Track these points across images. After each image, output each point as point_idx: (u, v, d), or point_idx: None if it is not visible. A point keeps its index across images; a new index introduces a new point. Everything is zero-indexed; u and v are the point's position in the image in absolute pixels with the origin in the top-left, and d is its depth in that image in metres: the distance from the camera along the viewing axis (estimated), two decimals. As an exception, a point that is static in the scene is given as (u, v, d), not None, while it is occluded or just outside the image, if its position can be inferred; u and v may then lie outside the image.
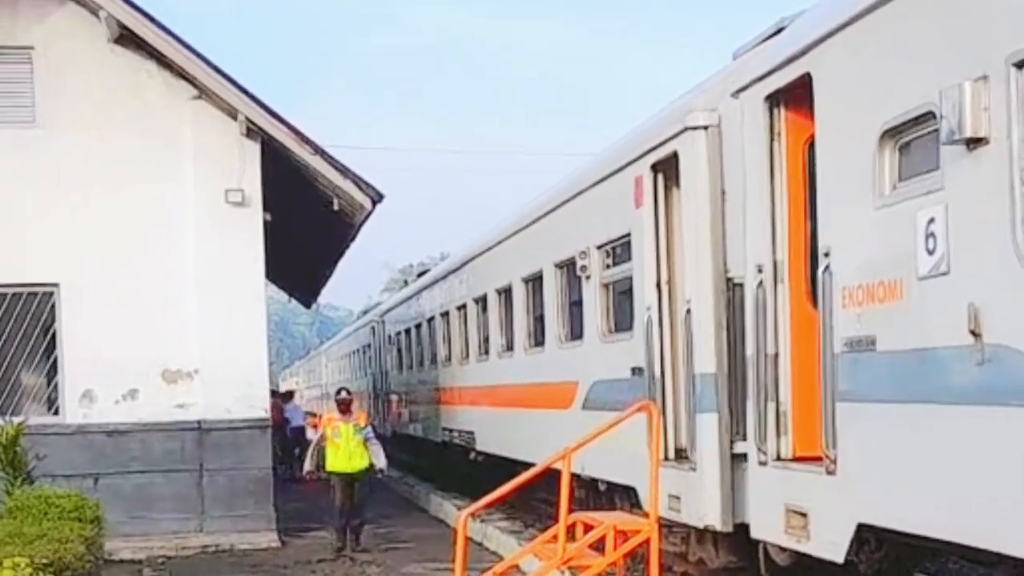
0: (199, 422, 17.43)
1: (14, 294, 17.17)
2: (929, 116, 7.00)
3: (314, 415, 34.07)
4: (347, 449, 16.53)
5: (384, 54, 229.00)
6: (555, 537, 10.01)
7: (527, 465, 15.84)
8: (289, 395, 30.91)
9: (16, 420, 13.32)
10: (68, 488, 11.40)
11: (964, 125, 6.51)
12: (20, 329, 17.25)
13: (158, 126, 17.38)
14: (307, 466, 17.58)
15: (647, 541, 9.78)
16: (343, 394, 17.50)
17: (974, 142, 6.55)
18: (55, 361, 17.31)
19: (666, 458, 11.01)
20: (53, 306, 17.27)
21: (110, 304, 17.13)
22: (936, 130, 6.87)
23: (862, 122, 7.68)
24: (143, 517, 17.10)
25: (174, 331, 17.37)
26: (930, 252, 6.97)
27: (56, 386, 17.34)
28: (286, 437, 28.46)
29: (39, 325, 17.32)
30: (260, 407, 17.73)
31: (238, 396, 17.46)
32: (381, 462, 16.94)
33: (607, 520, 10.15)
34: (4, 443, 12.61)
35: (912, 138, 7.37)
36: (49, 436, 15.88)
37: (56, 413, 17.28)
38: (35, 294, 17.25)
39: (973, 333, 6.54)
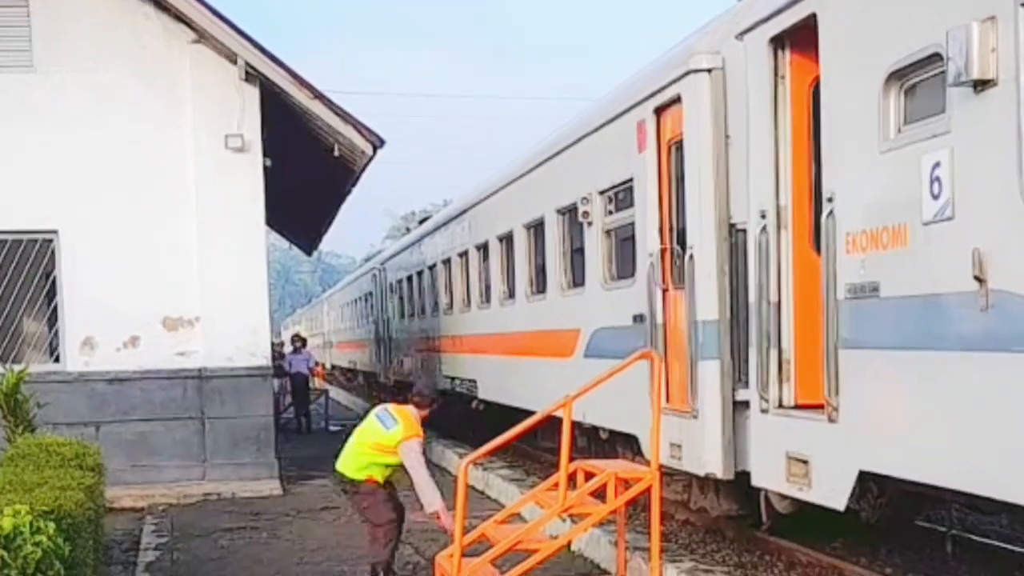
0: (200, 370, 17.42)
1: (13, 240, 17.10)
2: (936, 58, 6.89)
3: (318, 363, 34.05)
4: None
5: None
6: (556, 485, 9.92)
7: (529, 413, 15.87)
8: (302, 341, 30.50)
9: (17, 368, 13.25)
10: (69, 436, 11.36)
11: (971, 67, 6.41)
12: (20, 276, 17.21)
13: (157, 70, 17.25)
14: None
15: (648, 489, 9.72)
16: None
17: (981, 84, 6.46)
18: (55, 308, 17.29)
19: (667, 406, 10.97)
20: (53, 253, 17.22)
21: (110, 251, 17.09)
22: (942, 72, 6.77)
23: (868, 64, 7.56)
24: (145, 465, 17.16)
25: (175, 278, 17.34)
26: (935, 197, 6.89)
27: (57, 333, 17.33)
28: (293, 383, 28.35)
29: (39, 272, 17.28)
30: (262, 355, 17.71)
31: (240, 344, 17.44)
32: None
33: (608, 468, 10.08)
34: (5, 391, 12.54)
35: (918, 80, 7.27)
36: (50, 384, 15.85)
37: (57, 361, 17.28)
38: (35, 241, 17.19)
39: (978, 279, 6.48)
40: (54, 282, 17.25)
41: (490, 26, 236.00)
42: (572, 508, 9.83)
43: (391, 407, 10.80)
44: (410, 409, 10.66)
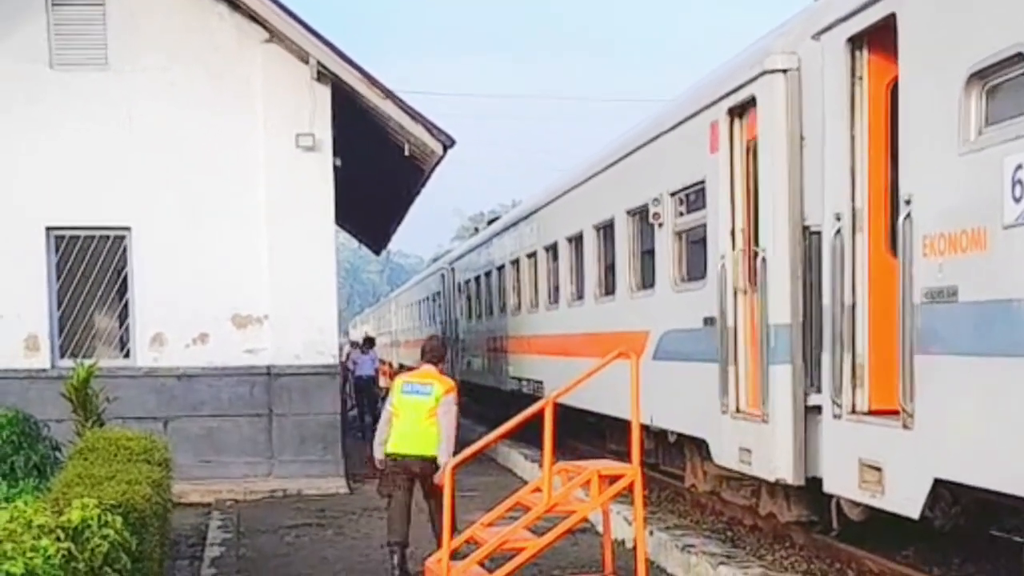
0: (268, 367, 17.52)
1: (86, 237, 17.32)
2: (1018, 58, 6.75)
3: (384, 362, 34.05)
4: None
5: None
6: (538, 488, 10.24)
7: (596, 416, 15.83)
8: (370, 342, 30.37)
9: (87, 362, 13.37)
10: (138, 431, 11.43)
11: (1056, 66, 6.25)
12: (93, 272, 17.42)
13: (229, 69, 17.39)
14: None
15: (631, 485, 9.93)
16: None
17: (1066, 85, 6.29)
18: (126, 304, 17.47)
19: (737, 410, 10.87)
20: (125, 250, 17.41)
21: (181, 248, 17.25)
22: (1026, 72, 6.60)
23: (948, 64, 7.41)
24: (212, 461, 17.29)
25: (244, 276, 17.46)
26: (1017, 200, 6.73)
27: (127, 329, 17.51)
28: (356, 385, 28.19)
29: (111, 268, 17.47)
30: (329, 354, 17.77)
31: (307, 342, 17.52)
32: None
33: (591, 467, 10.29)
34: (76, 385, 12.66)
35: (1000, 81, 7.11)
36: (120, 379, 15.98)
37: (127, 356, 17.46)
38: (107, 237, 17.38)
39: (1061, 284, 6.31)
40: (126, 279, 17.44)
41: (564, 28, 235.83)
42: (556, 506, 9.98)
43: (412, 379, 11.39)
44: (430, 368, 11.39)
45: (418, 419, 11.07)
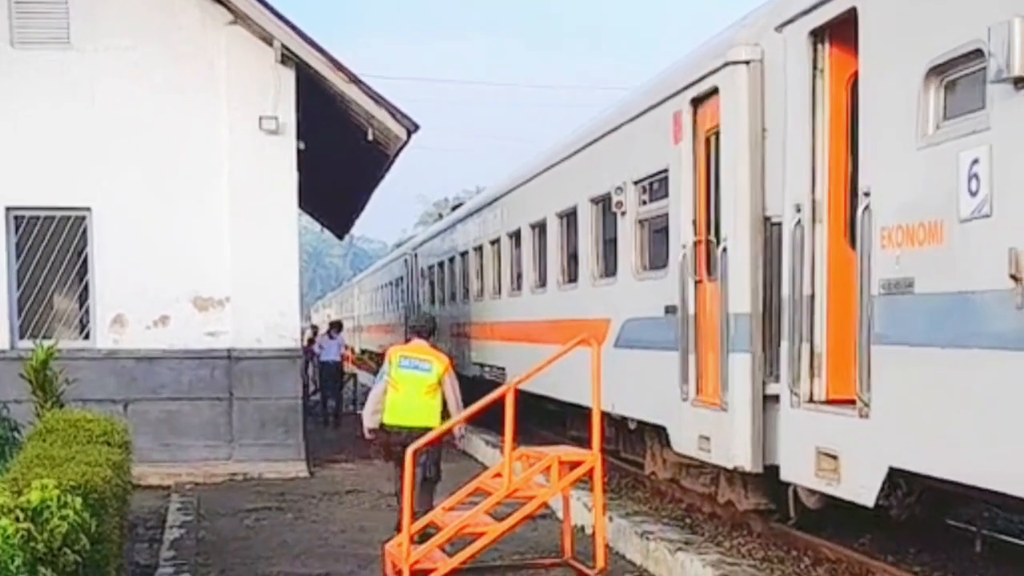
0: (229, 350, 17.49)
1: (46, 217, 17.22)
2: (977, 54, 6.81)
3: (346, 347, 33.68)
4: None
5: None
6: (499, 474, 10.43)
7: (558, 403, 15.90)
8: (337, 326, 29.66)
9: (47, 343, 13.30)
10: (98, 412, 11.40)
11: (1013, 63, 6.34)
12: (53, 253, 17.33)
13: (193, 51, 17.32)
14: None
15: (591, 472, 10.13)
16: None
17: (1022, 81, 6.37)
18: (87, 286, 17.39)
19: (697, 398, 10.95)
20: (85, 230, 17.33)
21: (142, 229, 17.18)
22: (983, 68, 6.69)
23: (908, 59, 7.49)
24: (172, 444, 17.29)
25: (206, 258, 17.43)
26: (972, 194, 6.82)
27: (88, 311, 17.43)
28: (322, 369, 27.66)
29: (72, 249, 17.39)
30: (291, 337, 17.76)
31: (269, 326, 17.50)
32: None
33: (551, 453, 10.46)
34: (35, 366, 12.58)
35: (958, 76, 7.19)
36: (80, 360, 15.87)
37: (87, 338, 17.40)
38: (68, 218, 17.29)
39: (1014, 277, 6.40)
40: (86, 259, 17.35)
41: (525, 14, 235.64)
42: (517, 491, 10.17)
43: (410, 353, 12.14)
44: (422, 343, 12.30)
45: (417, 393, 11.85)
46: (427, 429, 11.30)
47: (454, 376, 12.17)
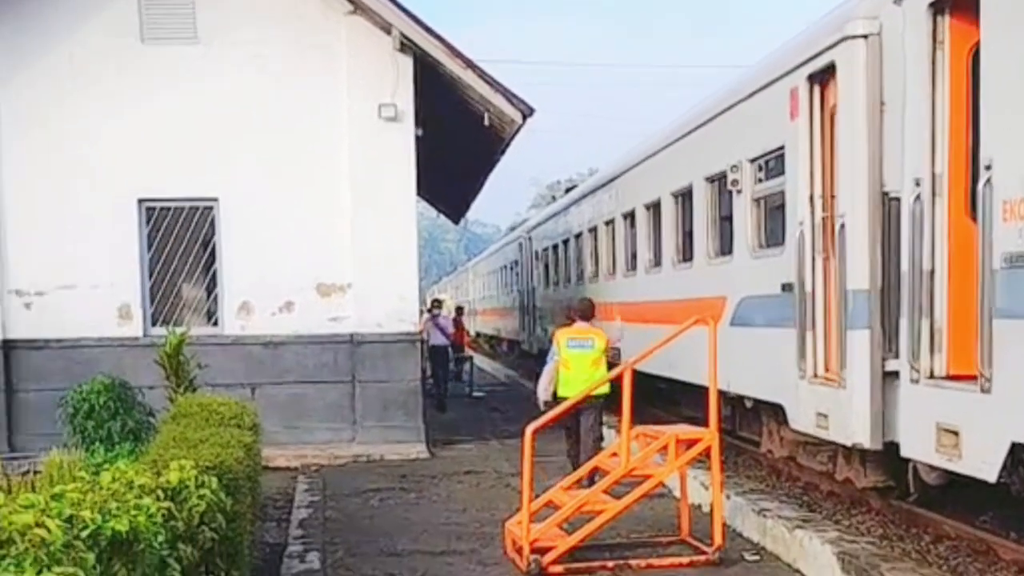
0: (352, 335, 17.80)
1: (176, 208, 17.69)
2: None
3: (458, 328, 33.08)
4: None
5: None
6: (615, 453, 10.66)
7: (673, 382, 15.91)
8: (438, 304, 29.04)
9: (179, 330, 13.72)
10: (227, 396, 11.72)
11: None
12: (182, 243, 17.80)
13: (314, 42, 17.63)
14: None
15: (708, 450, 10.25)
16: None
17: None
18: (214, 274, 17.83)
19: (815, 375, 10.92)
20: (213, 220, 17.76)
21: (266, 218, 17.59)
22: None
23: (1029, 29, 7.38)
24: (297, 427, 17.65)
25: (329, 245, 17.75)
26: (1097, 164, 6.71)
27: (215, 298, 17.88)
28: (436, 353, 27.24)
29: (200, 239, 17.84)
30: (410, 321, 18.01)
31: (389, 311, 17.76)
32: None
33: (668, 432, 10.51)
34: (168, 352, 13.00)
35: (1083, 44, 7.07)
36: (208, 346, 16.32)
37: (215, 324, 17.84)
38: (196, 208, 17.74)
39: None
40: (214, 248, 17.79)
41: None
42: (635, 470, 10.32)
43: (575, 334, 13.89)
44: (584, 324, 14.01)
45: (584, 367, 13.59)
46: (598, 398, 13.10)
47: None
